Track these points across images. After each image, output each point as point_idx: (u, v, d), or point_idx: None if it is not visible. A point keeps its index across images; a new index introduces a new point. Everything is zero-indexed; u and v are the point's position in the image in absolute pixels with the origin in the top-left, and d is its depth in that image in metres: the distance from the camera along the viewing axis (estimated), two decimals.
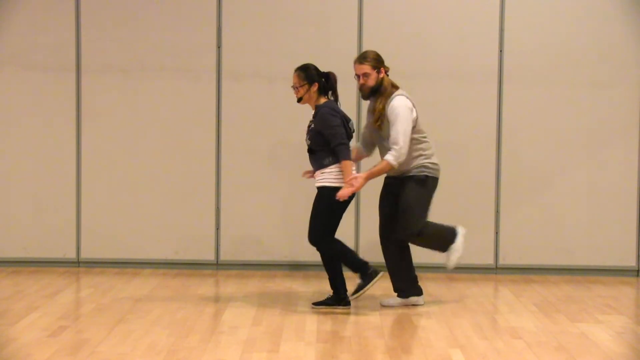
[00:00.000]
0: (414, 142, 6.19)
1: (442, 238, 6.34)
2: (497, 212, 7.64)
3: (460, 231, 6.36)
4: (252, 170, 7.66)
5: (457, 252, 6.31)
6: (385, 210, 6.40)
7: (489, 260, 7.67)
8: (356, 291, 6.18)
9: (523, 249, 7.66)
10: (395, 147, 6.09)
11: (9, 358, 5.00)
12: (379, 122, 6.18)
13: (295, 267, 7.64)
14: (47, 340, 5.33)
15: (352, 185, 6.02)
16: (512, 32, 7.57)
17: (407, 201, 6.23)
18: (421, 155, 6.23)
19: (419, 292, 6.46)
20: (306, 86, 6.19)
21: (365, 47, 7.41)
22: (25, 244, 7.72)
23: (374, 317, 6.07)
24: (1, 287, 6.95)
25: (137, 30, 7.63)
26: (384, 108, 6.17)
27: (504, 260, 7.67)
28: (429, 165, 6.25)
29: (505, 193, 7.64)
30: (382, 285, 6.52)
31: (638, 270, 7.67)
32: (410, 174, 6.23)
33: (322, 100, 6.23)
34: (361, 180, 6.05)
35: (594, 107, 7.60)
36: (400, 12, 7.59)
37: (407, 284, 6.44)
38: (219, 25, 7.62)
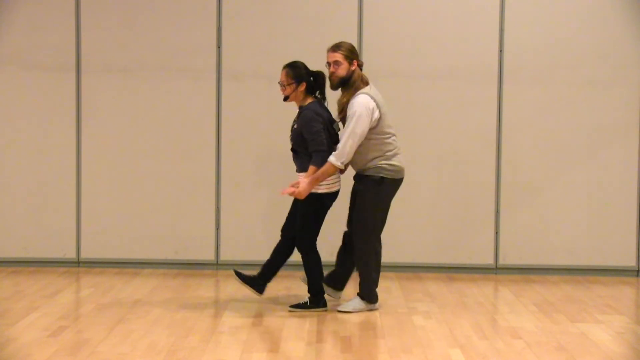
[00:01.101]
0: (372, 142, 6.09)
1: (371, 278, 6.24)
2: (497, 212, 7.64)
3: (376, 304, 6.31)
4: (252, 170, 7.67)
5: (359, 307, 6.23)
6: (351, 205, 6.36)
7: (489, 260, 7.67)
8: (297, 306, 6.21)
9: (523, 249, 7.65)
10: (338, 146, 6.03)
11: (9, 358, 5.00)
12: (342, 114, 6.14)
13: (295, 267, 7.63)
14: (47, 340, 5.34)
15: (296, 187, 6.00)
16: (512, 32, 7.57)
17: (358, 201, 6.19)
18: (379, 156, 6.12)
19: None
20: (294, 85, 6.13)
21: (366, 47, 7.42)
22: (25, 244, 7.72)
23: (374, 317, 6.07)
24: (1, 287, 6.95)
25: (137, 30, 7.63)
26: (347, 102, 6.10)
27: (504, 260, 7.66)
28: (386, 166, 6.13)
29: (505, 193, 7.64)
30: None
31: (638, 270, 7.67)
32: (367, 174, 6.16)
33: (308, 100, 6.18)
34: (304, 186, 6.01)
35: (594, 107, 7.60)
36: (400, 12, 7.59)
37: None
38: (219, 25, 7.62)
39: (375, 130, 6.09)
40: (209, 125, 7.66)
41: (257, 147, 7.66)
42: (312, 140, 6.04)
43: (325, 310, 6.21)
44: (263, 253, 7.69)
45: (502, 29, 7.58)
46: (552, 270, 7.65)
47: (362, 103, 6.04)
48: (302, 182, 6.02)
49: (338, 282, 6.45)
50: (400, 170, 6.22)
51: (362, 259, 6.24)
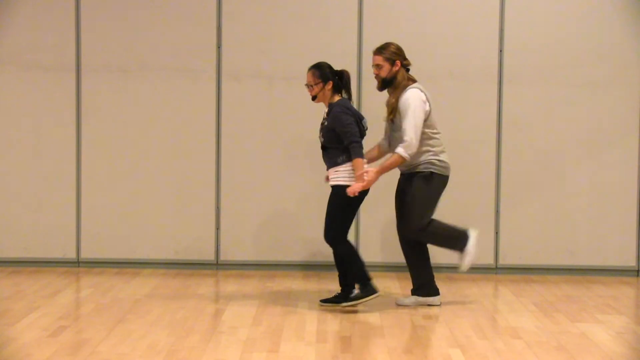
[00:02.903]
0: (424, 136, 6.20)
1: (451, 238, 6.31)
2: (497, 212, 7.64)
3: (472, 234, 6.33)
4: (252, 170, 7.66)
5: (470, 256, 6.29)
6: (398, 207, 6.42)
7: (489, 260, 7.67)
8: (350, 298, 6.21)
9: (523, 249, 7.65)
10: (405, 139, 6.11)
11: (9, 358, 5.00)
12: (392, 115, 6.21)
13: (296, 267, 7.64)
14: (47, 340, 5.33)
15: (363, 180, 6.03)
16: (512, 32, 7.57)
17: (408, 198, 6.26)
18: (429, 151, 6.22)
19: (435, 292, 6.44)
20: (320, 84, 6.20)
21: (365, 47, 7.42)
22: (25, 244, 7.72)
23: (374, 317, 6.07)
24: (1, 287, 6.95)
25: (137, 30, 7.63)
26: (396, 102, 6.19)
27: (504, 260, 7.66)
28: (436, 162, 6.24)
29: (505, 193, 7.64)
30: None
31: (638, 270, 7.67)
32: (417, 170, 6.24)
33: (336, 98, 6.25)
34: (372, 175, 6.07)
35: (594, 107, 7.60)
36: (400, 12, 7.59)
37: (422, 283, 6.44)
38: (219, 25, 7.62)
39: (426, 123, 6.19)
40: (209, 125, 7.66)
41: (257, 147, 7.66)
42: (346, 132, 6.09)
43: (379, 296, 6.20)
44: (263, 253, 7.71)
45: (502, 29, 7.58)
46: (552, 270, 7.65)
47: (414, 96, 6.16)
48: (370, 172, 6.06)
49: (427, 287, 6.46)
50: (448, 167, 6.32)
51: (420, 257, 6.33)
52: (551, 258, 7.66)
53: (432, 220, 6.29)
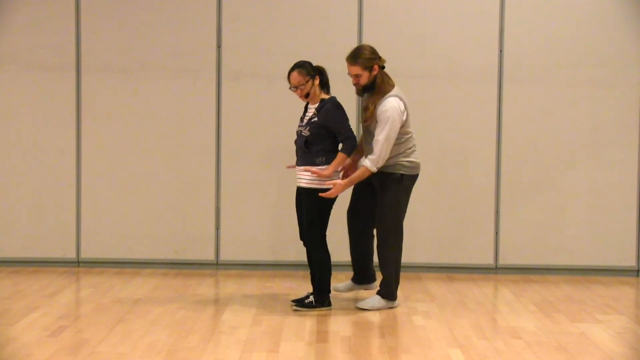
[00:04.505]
0: (396, 141, 6.13)
1: (395, 273, 6.33)
2: (497, 212, 7.64)
3: (394, 304, 6.37)
4: (252, 170, 7.67)
5: (378, 304, 6.30)
6: (356, 192, 6.41)
7: (489, 260, 7.67)
8: (301, 305, 6.23)
9: (523, 249, 7.66)
10: (375, 151, 6.07)
11: (9, 358, 5.01)
12: (368, 122, 6.18)
13: (295, 267, 7.64)
14: (47, 340, 5.34)
15: (331, 188, 6.05)
16: (512, 32, 7.57)
17: (383, 202, 6.22)
18: (400, 153, 6.18)
19: (370, 280, 6.52)
20: (310, 81, 6.17)
21: None
22: (25, 244, 7.72)
23: (374, 317, 6.08)
24: (1, 287, 6.95)
25: (137, 30, 7.63)
26: (375, 109, 6.14)
27: (503, 260, 7.66)
28: (405, 163, 6.19)
29: (505, 193, 7.64)
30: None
31: (638, 270, 7.67)
32: (388, 171, 6.19)
33: (325, 95, 6.23)
34: (339, 187, 6.06)
35: (594, 107, 7.60)
36: (400, 12, 7.59)
37: (362, 272, 6.49)
38: (219, 25, 7.62)
39: (400, 130, 6.15)
40: (209, 125, 7.66)
41: (257, 147, 7.66)
42: (341, 128, 6.08)
43: (330, 310, 6.21)
44: (263, 253, 7.71)
45: (502, 29, 7.58)
46: (552, 270, 7.66)
47: (394, 107, 6.09)
48: (337, 185, 6.04)
49: (365, 276, 6.49)
50: (417, 166, 6.29)
51: (384, 258, 6.30)
52: (551, 258, 7.66)
53: (398, 249, 6.31)
